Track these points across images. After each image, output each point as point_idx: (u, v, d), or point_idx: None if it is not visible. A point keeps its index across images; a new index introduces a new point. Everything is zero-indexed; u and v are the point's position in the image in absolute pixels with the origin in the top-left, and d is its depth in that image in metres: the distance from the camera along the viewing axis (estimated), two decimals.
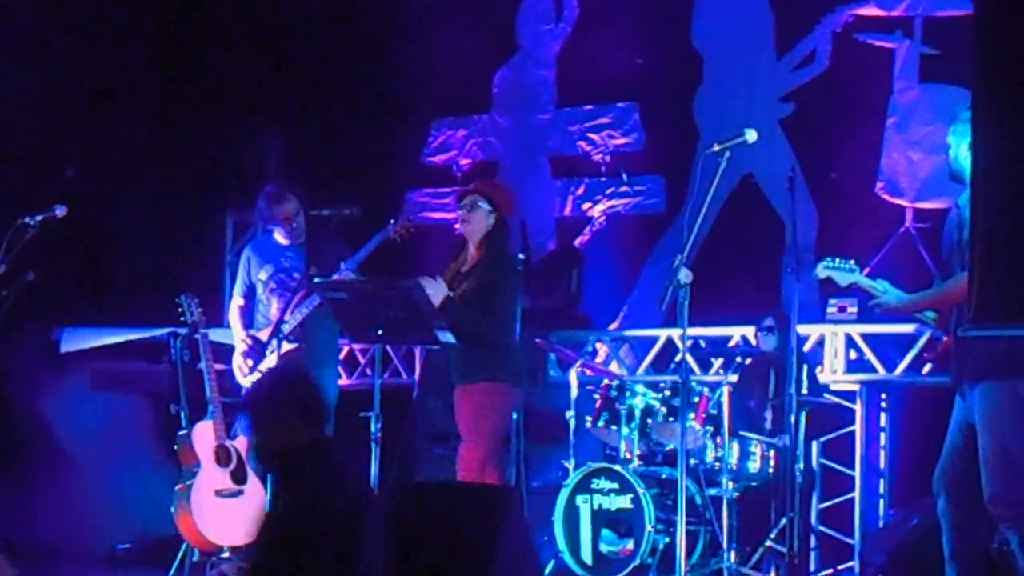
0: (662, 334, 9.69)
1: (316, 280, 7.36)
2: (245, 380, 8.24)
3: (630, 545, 7.95)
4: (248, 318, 8.41)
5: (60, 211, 7.68)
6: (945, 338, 6.41)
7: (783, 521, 7.77)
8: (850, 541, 8.87)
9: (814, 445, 8.80)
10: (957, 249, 6.07)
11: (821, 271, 6.50)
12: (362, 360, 10.64)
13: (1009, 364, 5.80)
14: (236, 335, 8.36)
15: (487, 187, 7.78)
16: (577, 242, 11.04)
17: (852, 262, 6.46)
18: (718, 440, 8.11)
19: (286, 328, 7.79)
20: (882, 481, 9.05)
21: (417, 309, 6.95)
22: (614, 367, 9.75)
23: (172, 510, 7.97)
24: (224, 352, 8.60)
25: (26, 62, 10.40)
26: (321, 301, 7.68)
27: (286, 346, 7.79)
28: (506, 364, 7.49)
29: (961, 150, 6.06)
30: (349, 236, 8.23)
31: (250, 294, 8.44)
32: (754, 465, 8.16)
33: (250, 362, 8.13)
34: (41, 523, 9.37)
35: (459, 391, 7.48)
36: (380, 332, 6.96)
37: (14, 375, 9.69)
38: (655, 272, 10.36)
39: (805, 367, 8.30)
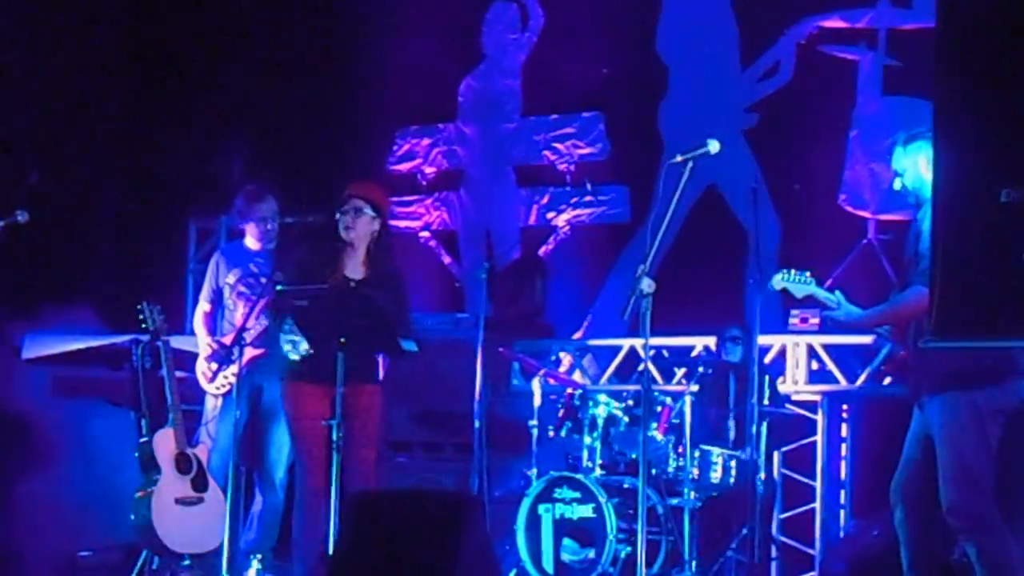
0: (625, 344, 9.71)
1: (279, 287, 7.30)
2: (209, 386, 8.21)
3: (592, 554, 7.96)
4: (213, 325, 8.37)
5: (22, 217, 7.64)
6: (903, 351, 6.44)
7: (744, 531, 7.79)
8: (811, 551, 8.90)
9: (775, 455, 8.83)
10: (913, 261, 6.10)
11: (777, 283, 6.51)
12: None
13: (968, 377, 5.83)
14: (201, 341, 8.32)
15: (366, 190, 7.45)
16: (541, 251, 11.05)
17: (807, 274, 6.47)
18: (680, 450, 8.13)
19: (249, 335, 7.75)
20: (843, 492, 9.09)
21: (379, 317, 6.93)
22: (577, 376, 9.76)
23: (132, 518, 7.93)
24: (186, 359, 8.56)
25: None
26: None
27: (251, 351, 7.75)
28: (376, 363, 7.42)
29: (920, 167, 6.09)
30: (312, 244, 8.20)
31: (216, 300, 8.39)
32: (716, 475, 8.18)
33: (214, 366, 8.09)
34: (1, 529, 9.32)
35: (349, 390, 7.11)
36: (342, 340, 6.94)
37: None
38: (619, 282, 10.39)
39: (766, 378, 8.33)
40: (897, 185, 6.26)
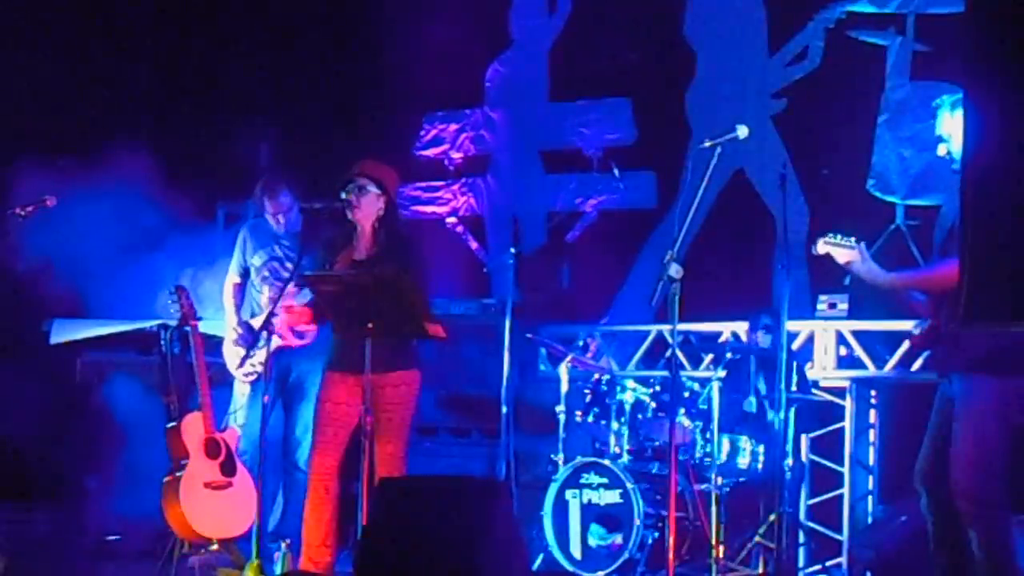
0: (652, 329, 9.70)
1: (306, 273, 7.28)
2: (237, 373, 8.21)
3: (619, 539, 7.97)
4: (242, 298, 8.37)
5: (51, 201, 7.67)
6: (926, 325, 6.32)
7: (772, 516, 7.78)
8: (838, 537, 8.88)
9: (803, 441, 8.82)
10: (950, 236, 6.03)
11: (821, 246, 6.33)
12: None
13: (1000, 363, 5.79)
14: (228, 317, 8.32)
15: (372, 168, 7.38)
16: (568, 237, 11.04)
17: (853, 239, 6.34)
18: (707, 435, 8.12)
19: (276, 321, 7.74)
20: (871, 477, 9.06)
21: (407, 302, 6.91)
22: (604, 362, 9.75)
23: (161, 502, 7.95)
24: (214, 344, 8.57)
25: (22, 53, 10.38)
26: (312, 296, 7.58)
27: (278, 341, 7.74)
28: (413, 349, 7.34)
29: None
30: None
31: (245, 274, 8.40)
32: (743, 461, 8.16)
33: (241, 351, 8.08)
34: (30, 514, 9.35)
35: (375, 380, 7.03)
36: (371, 325, 6.93)
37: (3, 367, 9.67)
38: (646, 267, 10.38)
39: (794, 363, 8.31)
40: (942, 151, 6.13)
